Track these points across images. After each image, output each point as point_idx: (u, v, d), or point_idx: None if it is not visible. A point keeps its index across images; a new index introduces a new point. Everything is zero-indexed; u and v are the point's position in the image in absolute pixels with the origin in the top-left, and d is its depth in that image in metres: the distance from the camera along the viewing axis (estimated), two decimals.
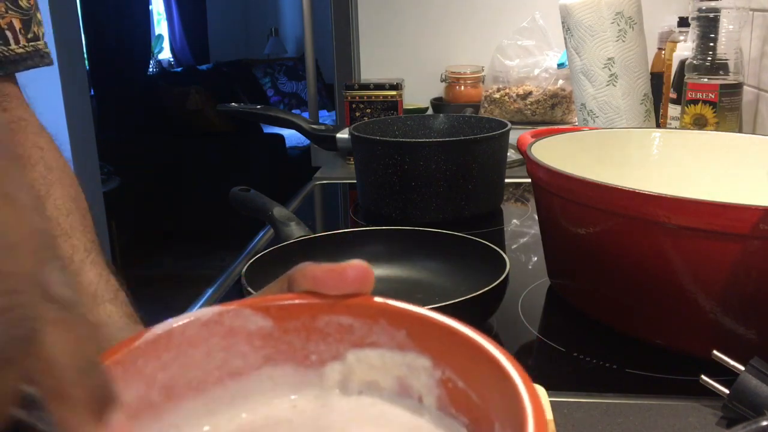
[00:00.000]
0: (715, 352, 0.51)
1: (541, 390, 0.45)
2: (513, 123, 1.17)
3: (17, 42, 0.57)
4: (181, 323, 0.29)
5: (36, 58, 0.60)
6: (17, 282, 0.20)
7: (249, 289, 0.63)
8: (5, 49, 0.57)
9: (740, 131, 1.15)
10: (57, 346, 0.22)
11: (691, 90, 1.12)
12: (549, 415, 0.43)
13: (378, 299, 0.30)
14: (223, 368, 0.31)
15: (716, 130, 1.09)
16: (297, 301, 0.31)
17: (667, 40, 1.41)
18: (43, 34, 0.61)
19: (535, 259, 0.86)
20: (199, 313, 0.30)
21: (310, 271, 0.30)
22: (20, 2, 0.58)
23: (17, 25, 0.57)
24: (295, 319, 0.31)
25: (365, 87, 1.37)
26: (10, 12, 0.57)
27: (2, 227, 0.20)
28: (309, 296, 0.31)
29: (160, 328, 0.29)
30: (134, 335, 0.28)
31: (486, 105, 1.65)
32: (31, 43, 0.59)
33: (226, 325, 0.30)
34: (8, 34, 0.57)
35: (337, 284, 0.30)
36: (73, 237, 0.53)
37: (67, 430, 0.22)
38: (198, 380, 0.30)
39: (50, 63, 0.61)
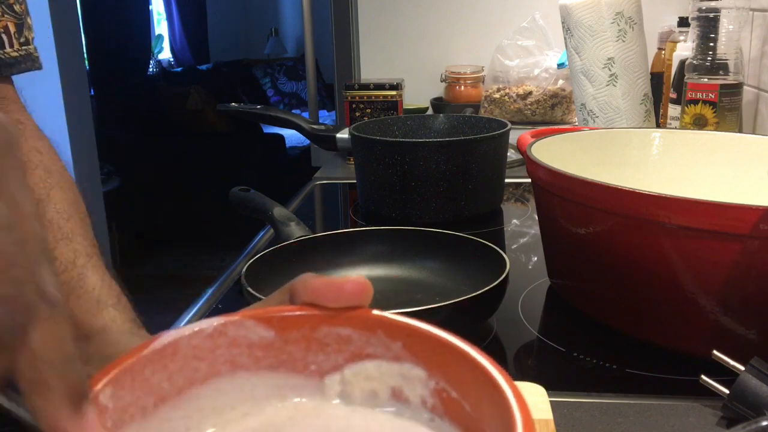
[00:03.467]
0: (715, 352, 0.51)
1: (540, 390, 0.45)
2: (513, 123, 1.17)
3: (11, 45, 0.58)
4: (187, 334, 0.30)
5: (28, 62, 0.60)
6: (23, 274, 0.23)
7: (249, 289, 0.63)
8: (1, 52, 0.57)
9: (740, 131, 1.15)
10: (43, 341, 0.24)
11: (691, 90, 1.12)
12: (549, 414, 0.43)
13: (376, 312, 0.31)
14: (228, 378, 0.31)
15: (716, 130, 1.09)
16: (298, 313, 0.31)
17: (667, 40, 1.41)
18: (32, 39, 0.61)
19: (535, 259, 0.86)
20: (204, 323, 0.30)
21: (311, 283, 0.31)
22: (14, 7, 0.58)
23: (12, 28, 0.58)
24: (296, 330, 0.31)
25: (365, 87, 1.37)
26: (5, 16, 0.57)
27: (14, 225, 0.23)
28: (310, 308, 0.31)
29: (167, 338, 0.30)
30: (143, 344, 0.29)
31: (486, 105, 1.65)
32: (23, 47, 0.59)
33: (230, 336, 0.31)
34: (4, 37, 0.57)
35: (336, 297, 0.31)
36: (74, 241, 0.53)
37: (43, 419, 0.24)
38: (203, 391, 0.31)
39: (40, 67, 0.62)
